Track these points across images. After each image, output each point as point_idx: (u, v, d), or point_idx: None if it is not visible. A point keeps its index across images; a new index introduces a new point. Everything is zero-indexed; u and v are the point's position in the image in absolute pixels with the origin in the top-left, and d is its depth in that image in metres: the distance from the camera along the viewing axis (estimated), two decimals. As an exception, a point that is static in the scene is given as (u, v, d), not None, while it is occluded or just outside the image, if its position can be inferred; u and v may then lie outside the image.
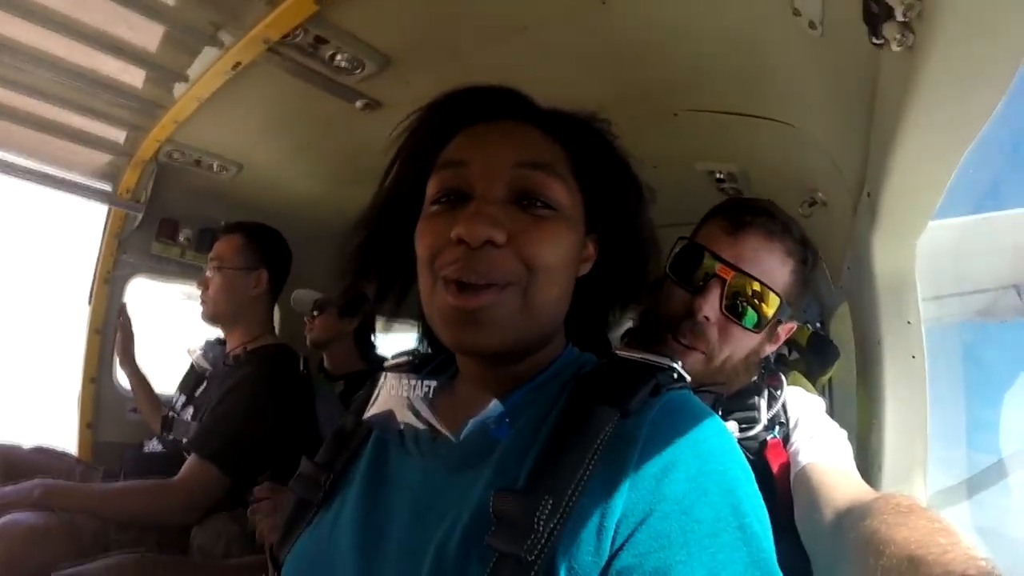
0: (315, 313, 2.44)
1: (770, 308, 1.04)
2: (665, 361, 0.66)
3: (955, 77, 0.71)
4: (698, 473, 0.54)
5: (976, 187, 1.12)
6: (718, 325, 1.03)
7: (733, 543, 0.51)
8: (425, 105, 0.73)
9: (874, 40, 0.73)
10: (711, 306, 1.02)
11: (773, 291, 1.03)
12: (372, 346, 2.59)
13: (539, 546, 0.51)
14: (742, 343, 1.05)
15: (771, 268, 1.04)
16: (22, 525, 1.44)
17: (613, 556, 0.52)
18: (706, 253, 1.04)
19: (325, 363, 2.48)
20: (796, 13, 0.99)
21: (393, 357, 0.86)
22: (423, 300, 0.67)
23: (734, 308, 1.02)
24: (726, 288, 1.02)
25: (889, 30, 0.70)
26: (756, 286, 1.02)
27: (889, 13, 0.69)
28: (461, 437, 0.62)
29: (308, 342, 2.44)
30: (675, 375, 0.65)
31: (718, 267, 1.02)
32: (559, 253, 0.64)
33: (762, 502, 0.57)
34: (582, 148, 0.71)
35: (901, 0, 0.66)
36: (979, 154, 0.83)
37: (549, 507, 0.53)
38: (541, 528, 0.52)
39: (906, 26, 0.69)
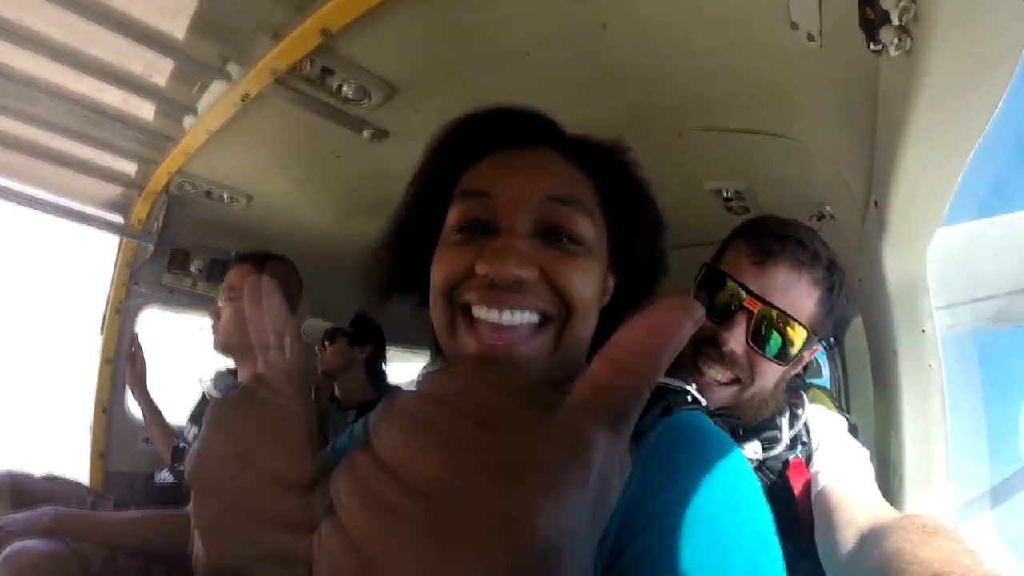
0: (326, 343, 2.45)
1: (798, 341, 1.01)
2: (679, 384, 0.65)
3: (955, 77, 0.71)
4: (696, 492, 0.52)
5: (982, 190, 1.12)
6: (746, 356, 1.00)
7: (727, 565, 0.49)
8: (448, 125, 0.71)
9: (872, 46, 0.74)
10: (737, 339, 0.99)
11: (801, 324, 1.00)
12: (383, 375, 2.58)
13: None
14: (769, 374, 1.02)
15: (798, 300, 1.01)
16: (31, 553, 1.44)
17: (610, 567, 0.50)
18: (732, 283, 1.01)
19: (336, 392, 2.47)
20: (794, 26, 1.00)
21: (424, 369, 0.83)
22: (439, 332, 0.64)
23: (760, 340, 0.99)
24: (753, 320, 0.99)
25: (886, 35, 0.70)
26: (783, 319, 0.99)
27: (885, 18, 0.69)
28: None
29: (319, 371, 2.44)
30: (689, 398, 0.64)
31: (745, 299, 0.99)
32: (591, 288, 0.62)
33: (771, 524, 0.54)
34: (610, 181, 0.68)
35: (896, 3, 0.66)
36: (984, 156, 0.83)
37: None
38: None
39: (903, 29, 0.69)
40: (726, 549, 0.49)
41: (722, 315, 1.01)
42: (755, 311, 0.99)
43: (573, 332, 0.61)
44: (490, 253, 0.58)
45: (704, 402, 0.66)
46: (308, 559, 0.34)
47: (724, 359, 1.00)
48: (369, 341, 2.48)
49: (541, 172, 0.64)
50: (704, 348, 1.01)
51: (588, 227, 0.63)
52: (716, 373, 1.01)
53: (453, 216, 0.64)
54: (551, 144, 0.68)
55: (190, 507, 0.40)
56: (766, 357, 1.00)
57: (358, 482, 0.27)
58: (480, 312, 0.58)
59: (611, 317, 0.71)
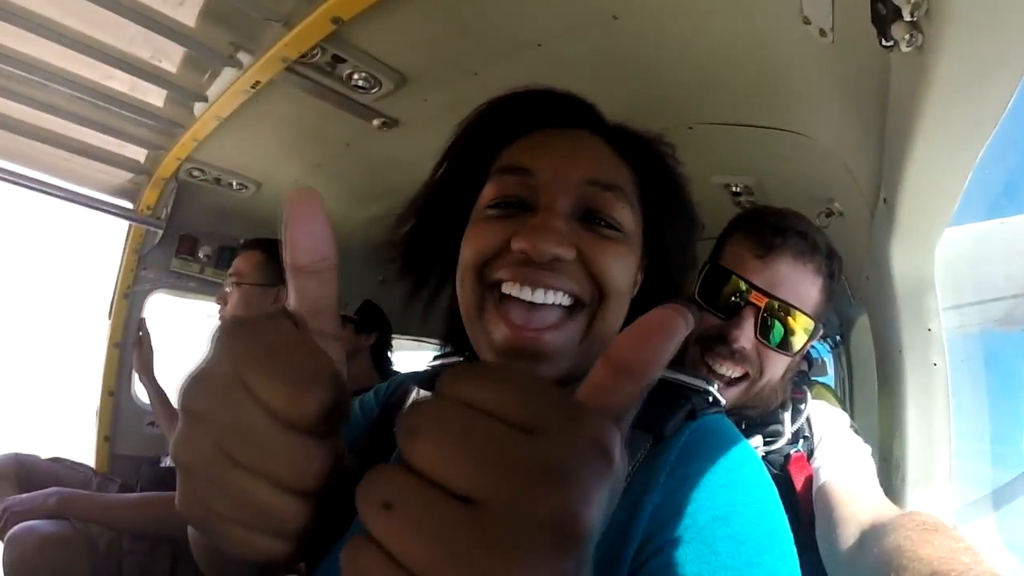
0: None
1: (804, 331, 1.02)
2: (701, 384, 0.63)
3: (966, 74, 0.71)
4: (723, 503, 0.51)
5: (992, 190, 1.11)
6: (755, 350, 1.01)
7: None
8: (487, 102, 0.69)
9: (883, 42, 0.74)
10: (746, 335, 1.00)
11: (807, 314, 1.01)
12: (389, 362, 2.59)
13: None
14: (778, 366, 1.03)
15: (803, 291, 1.02)
16: (37, 533, 1.46)
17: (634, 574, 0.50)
18: (737, 279, 1.01)
19: None
20: (806, 21, 0.99)
21: (437, 357, 0.80)
22: (467, 316, 0.62)
23: (769, 334, 1.00)
24: (760, 315, 1.00)
25: (898, 31, 0.70)
26: (790, 311, 1.00)
27: (897, 13, 0.69)
28: None
29: None
30: (710, 398, 0.63)
31: (751, 294, 0.99)
32: (626, 276, 0.61)
33: (790, 536, 0.53)
34: (648, 172, 0.67)
35: (908, -1, 0.66)
36: (994, 155, 0.82)
37: None
38: None
39: (914, 25, 0.69)
40: (751, 562, 0.49)
41: (729, 311, 1.01)
42: (762, 305, 0.99)
43: (604, 320, 0.59)
44: (529, 229, 0.56)
45: (724, 401, 0.65)
46: (299, 531, 0.30)
47: (735, 355, 1.01)
48: (375, 328, 2.49)
49: (583, 155, 0.63)
50: (714, 346, 1.02)
51: (627, 215, 0.61)
52: (727, 369, 1.02)
53: (489, 191, 0.62)
54: (591, 128, 0.67)
55: (172, 442, 0.31)
56: (775, 349, 1.01)
57: (396, 493, 0.24)
58: (512, 289, 0.56)
59: (639, 310, 0.69)
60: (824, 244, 1.05)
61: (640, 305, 0.68)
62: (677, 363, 1.05)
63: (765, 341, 1.00)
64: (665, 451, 0.55)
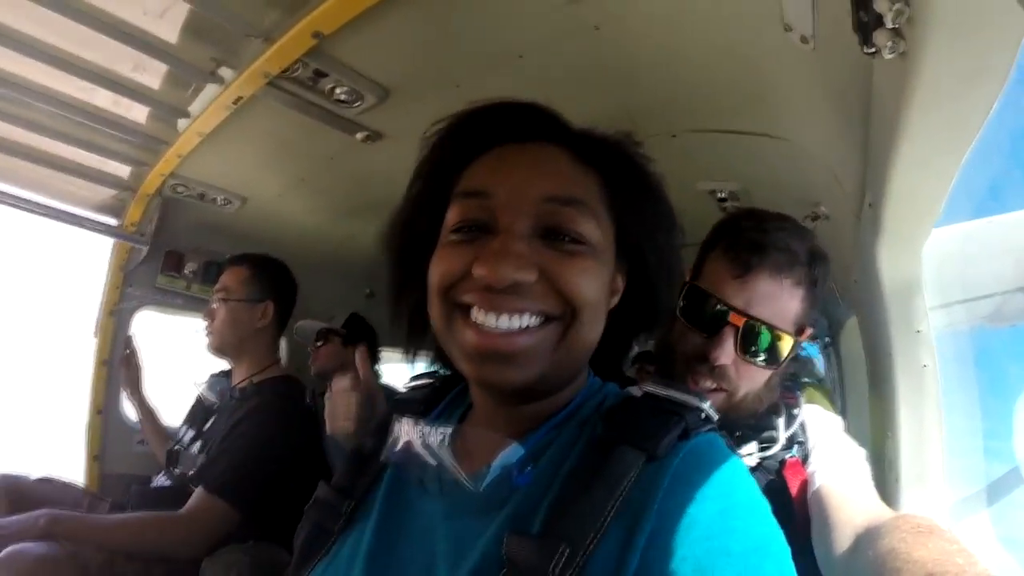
0: (319, 343, 2.43)
1: (784, 347, 1.02)
2: (693, 400, 0.62)
3: (949, 80, 0.71)
4: (720, 532, 0.50)
5: (977, 190, 1.12)
6: (735, 366, 1.01)
7: None
8: (448, 120, 0.68)
9: (866, 49, 0.74)
10: (726, 353, 1.00)
11: (786, 332, 1.02)
12: (377, 376, 2.58)
13: None
14: (759, 378, 1.04)
15: (782, 306, 1.02)
16: (27, 556, 1.43)
17: None
18: (715, 300, 1.02)
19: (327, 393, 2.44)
20: (788, 28, 1.00)
21: (413, 379, 0.82)
22: (438, 331, 0.63)
23: (749, 350, 1.01)
24: (739, 334, 1.00)
25: (880, 38, 0.70)
26: (769, 329, 1.01)
27: (879, 20, 0.69)
28: (483, 486, 0.58)
29: (312, 372, 2.42)
30: (703, 415, 0.62)
31: (730, 315, 1.00)
32: (595, 288, 0.60)
33: (789, 559, 0.52)
34: (616, 176, 0.65)
35: (890, 7, 0.66)
36: (979, 157, 0.83)
37: (565, 556, 0.49)
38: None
39: (897, 32, 0.69)
40: None
41: (710, 329, 1.02)
42: (740, 325, 1.00)
43: (578, 332, 0.59)
44: (486, 256, 0.56)
45: (716, 417, 0.64)
46: None
47: (713, 372, 1.01)
48: (362, 341, 2.48)
49: (541, 171, 0.62)
50: (694, 365, 1.03)
51: (591, 227, 0.60)
52: (709, 384, 1.02)
53: (452, 215, 0.62)
54: (554, 139, 0.65)
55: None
56: (756, 364, 1.02)
57: None
58: (479, 316, 0.57)
59: (621, 318, 0.69)
60: (806, 251, 1.04)
61: (624, 312, 0.68)
62: (668, 374, 1.06)
63: (745, 357, 1.01)
64: (659, 472, 0.54)
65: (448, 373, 0.78)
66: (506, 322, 0.56)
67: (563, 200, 0.59)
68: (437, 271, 0.61)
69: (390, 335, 2.55)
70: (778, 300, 1.01)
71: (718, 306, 1.01)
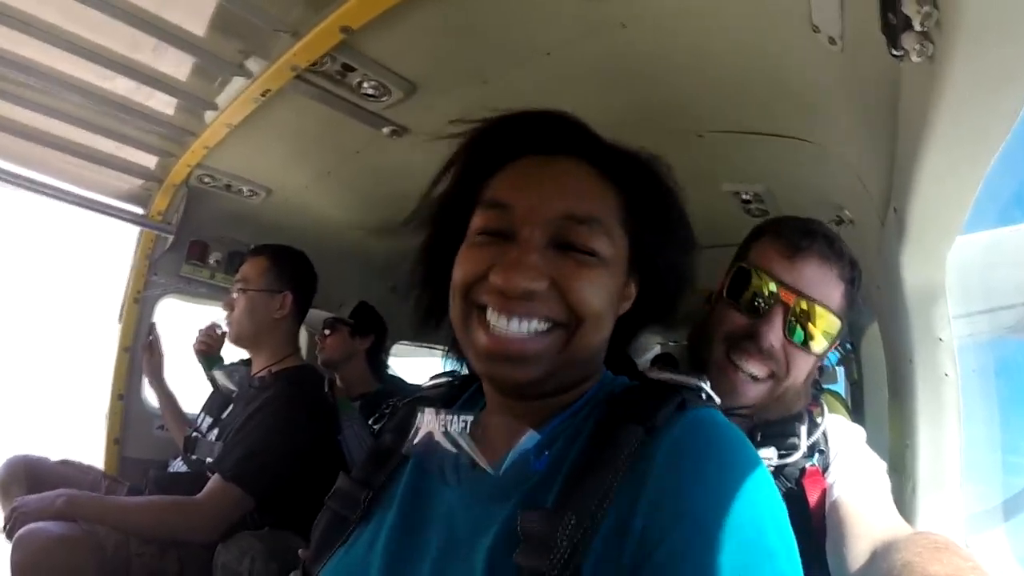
0: (326, 332, 2.44)
1: (832, 330, 1.03)
2: (693, 381, 0.66)
3: (977, 84, 0.70)
4: (719, 492, 0.53)
5: (1002, 198, 1.11)
6: (783, 350, 1.02)
7: (751, 562, 0.49)
8: (477, 127, 0.72)
9: (893, 52, 0.73)
10: (775, 333, 1.01)
11: (835, 314, 1.02)
12: (385, 366, 2.57)
13: (562, 562, 0.51)
14: (804, 367, 1.05)
15: (829, 292, 1.03)
16: (44, 535, 1.46)
17: (635, 571, 0.51)
18: (767, 277, 1.03)
19: (337, 383, 2.44)
20: (816, 30, 0.99)
21: (432, 378, 0.86)
22: (456, 326, 0.68)
23: (796, 333, 1.01)
24: (788, 313, 1.01)
25: (908, 40, 0.70)
26: (818, 310, 1.01)
27: (907, 23, 0.68)
28: (502, 471, 0.62)
29: (320, 362, 2.42)
30: (703, 395, 0.65)
31: (781, 292, 1.01)
32: (602, 297, 0.64)
33: (787, 521, 0.55)
34: (637, 194, 0.69)
35: (918, 9, 0.65)
36: (1005, 164, 0.82)
37: (572, 523, 0.53)
38: (564, 544, 0.52)
39: (925, 36, 0.69)
40: (751, 550, 0.50)
41: (757, 310, 1.03)
42: (791, 303, 1.01)
43: (583, 338, 0.63)
44: (503, 265, 0.61)
45: (718, 400, 0.67)
46: None
47: (763, 353, 1.02)
48: (370, 332, 2.47)
49: (562, 189, 0.66)
50: (741, 344, 1.03)
51: (603, 243, 0.64)
52: (753, 368, 1.03)
53: (477, 221, 0.67)
54: (580, 153, 0.69)
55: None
56: (803, 349, 1.02)
57: None
58: (492, 317, 0.62)
59: (631, 322, 0.73)
60: (847, 252, 1.06)
61: (634, 319, 0.73)
62: (701, 367, 1.06)
63: (792, 340, 1.01)
64: (659, 441, 0.57)
65: (465, 373, 0.83)
66: (516, 325, 0.61)
67: (579, 219, 0.64)
68: (460, 270, 0.66)
69: (418, 330, 2.57)
70: (826, 285, 1.02)
71: (770, 284, 1.02)
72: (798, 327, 1.01)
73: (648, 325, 0.78)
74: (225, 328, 2.02)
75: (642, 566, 0.51)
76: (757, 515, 0.52)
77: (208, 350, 2.16)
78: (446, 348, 0.82)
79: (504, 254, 0.62)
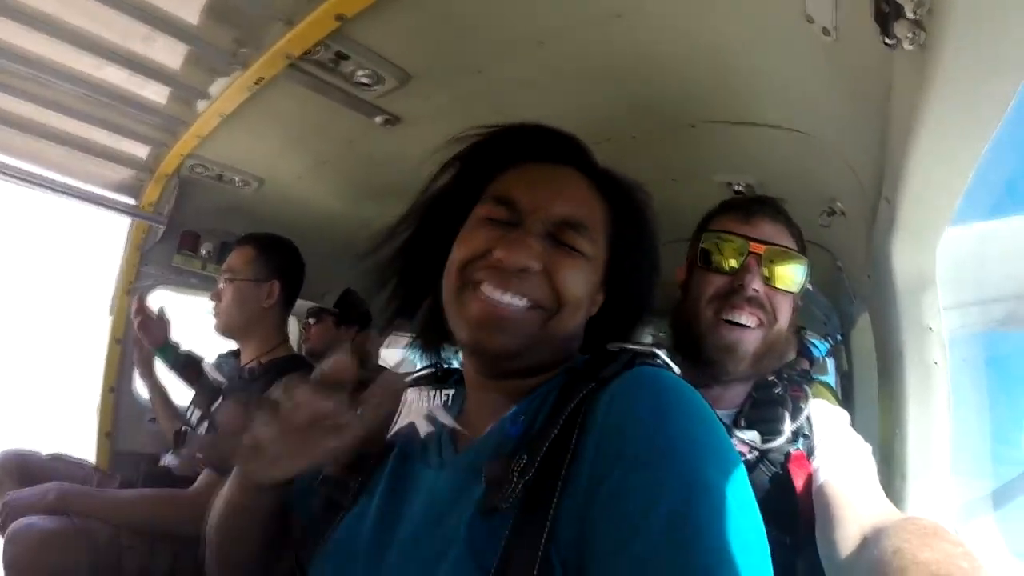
0: (311, 322, 2.42)
1: (801, 269, 1.13)
2: (649, 348, 0.71)
3: (969, 73, 0.71)
4: (657, 430, 0.56)
5: (994, 189, 1.12)
6: (766, 296, 1.10)
7: (691, 499, 0.51)
8: (487, 132, 0.79)
9: (886, 40, 0.74)
10: (757, 280, 1.09)
11: (800, 254, 1.14)
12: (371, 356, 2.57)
13: (514, 495, 0.56)
14: (786, 309, 1.14)
15: (787, 240, 1.14)
16: (37, 529, 1.46)
17: (588, 507, 0.54)
18: (735, 236, 1.12)
19: None
20: (809, 20, 1.00)
21: (418, 370, 0.89)
22: (447, 300, 0.73)
23: (774, 277, 1.11)
24: (762, 261, 1.10)
25: (900, 28, 0.70)
26: (786, 253, 1.13)
27: (899, 11, 0.69)
28: (481, 439, 0.68)
29: (304, 352, 2.40)
30: (659, 361, 0.69)
31: (751, 246, 1.11)
32: (582, 288, 0.72)
33: (730, 458, 0.57)
34: (622, 215, 0.78)
35: (910, -4, 0.66)
36: (996, 154, 0.82)
37: (524, 462, 0.58)
38: (515, 479, 0.57)
39: (917, 23, 0.69)
40: (688, 484, 0.52)
41: (734, 266, 1.12)
42: (762, 252, 1.11)
43: (560, 322, 0.70)
44: (507, 241, 0.68)
45: (677, 370, 0.69)
46: None
47: (751, 301, 1.10)
48: (355, 322, 2.46)
49: (562, 193, 0.74)
50: (729, 299, 1.11)
51: (590, 247, 0.73)
52: (746, 318, 1.10)
53: (482, 211, 0.74)
54: (575, 164, 0.77)
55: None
56: (782, 291, 1.12)
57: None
58: (486, 289, 0.68)
59: (596, 328, 0.80)
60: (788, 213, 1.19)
61: (599, 324, 0.79)
62: (687, 354, 1.10)
63: (771, 284, 1.11)
64: (606, 392, 0.62)
65: (446, 367, 0.88)
66: (507, 299, 0.67)
67: (573, 224, 0.72)
68: (463, 248, 0.72)
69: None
70: (783, 235, 1.15)
71: (739, 241, 1.12)
72: (773, 271, 1.11)
73: (609, 334, 0.81)
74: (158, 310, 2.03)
75: (590, 505, 0.53)
76: (695, 450, 0.55)
77: (150, 337, 2.09)
78: (413, 336, 0.87)
79: (507, 235, 0.69)
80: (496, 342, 0.68)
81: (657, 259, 0.83)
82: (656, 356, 0.70)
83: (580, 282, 0.71)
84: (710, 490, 0.52)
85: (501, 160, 0.78)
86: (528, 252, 0.68)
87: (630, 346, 0.72)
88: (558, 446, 0.59)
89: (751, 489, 0.56)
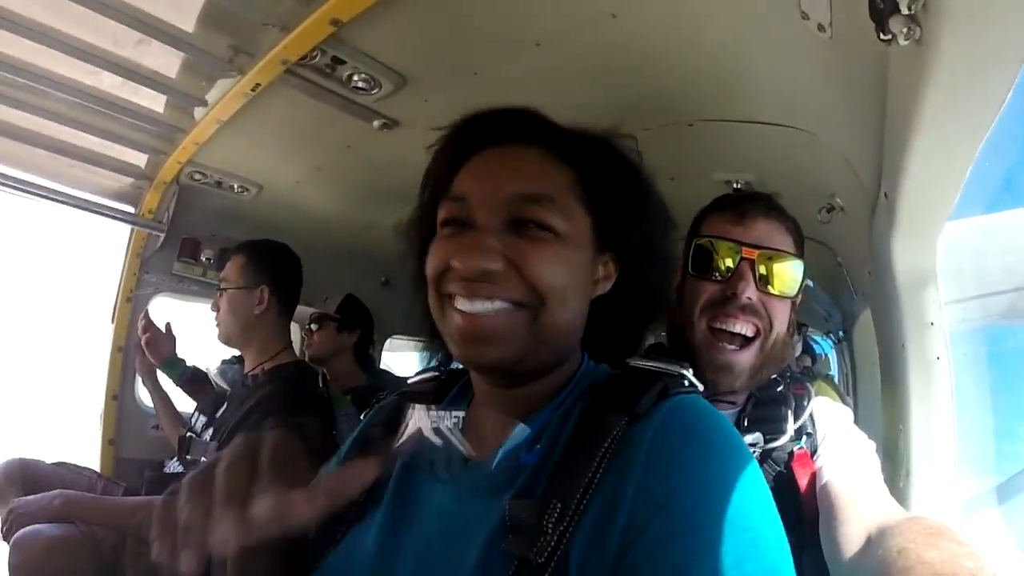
0: (313, 327, 2.42)
1: (797, 272, 1.09)
2: (675, 368, 0.67)
3: (965, 67, 0.71)
4: (703, 476, 0.53)
5: (992, 183, 1.12)
6: (760, 302, 1.07)
7: (739, 547, 0.49)
8: (442, 134, 0.76)
9: (882, 36, 0.74)
10: (750, 286, 1.06)
11: (795, 256, 1.09)
12: (372, 360, 2.56)
13: (548, 548, 0.53)
14: (783, 314, 1.10)
15: (782, 240, 1.10)
16: (42, 537, 1.46)
17: (621, 558, 0.51)
18: (725, 242, 1.09)
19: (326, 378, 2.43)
20: (805, 17, 1.00)
21: (418, 373, 0.87)
22: (435, 317, 0.70)
23: (768, 282, 1.08)
24: (755, 266, 1.07)
25: (896, 24, 0.70)
26: (780, 256, 1.08)
27: (894, 7, 0.69)
28: (494, 465, 0.64)
29: (307, 358, 2.41)
30: (686, 382, 0.66)
31: (743, 251, 1.07)
32: (561, 273, 0.65)
33: (774, 507, 0.55)
34: (593, 171, 0.71)
35: (905, -9, 0.66)
36: (994, 149, 0.82)
37: (558, 511, 0.54)
38: (550, 531, 0.53)
39: (912, 19, 0.69)
40: (739, 538, 0.50)
41: (726, 274, 1.08)
42: (754, 257, 1.07)
43: (549, 317, 0.64)
44: (459, 249, 0.64)
45: (701, 387, 0.68)
46: None
47: (746, 309, 1.06)
48: (357, 326, 2.46)
49: (512, 172, 0.68)
50: (723, 308, 1.08)
51: (558, 220, 0.66)
52: (740, 327, 1.07)
53: (441, 215, 0.70)
54: (531, 139, 0.71)
55: None
56: (778, 296, 1.08)
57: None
58: (459, 303, 0.64)
59: (612, 304, 0.74)
60: (783, 207, 1.14)
61: (615, 298, 0.73)
62: (675, 346, 1.08)
63: (766, 290, 1.07)
64: (642, 428, 0.58)
65: (452, 368, 0.84)
66: (480, 306, 0.63)
67: (530, 198, 0.65)
68: (430, 264, 0.68)
69: (408, 324, 2.56)
70: (778, 235, 1.10)
71: (730, 246, 1.08)
72: (768, 276, 1.08)
73: (639, 312, 0.78)
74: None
75: (627, 554, 0.51)
76: (743, 502, 0.52)
77: (157, 352, 2.12)
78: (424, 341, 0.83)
79: (462, 240, 0.65)
80: (487, 355, 0.64)
81: (659, 205, 0.76)
82: (685, 377, 0.67)
83: (556, 265, 0.65)
84: (762, 544, 0.51)
85: (459, 154, 0.73)
86: (481, 253, 0.63)
87: (659, 366, 0.68)
88: (591, 485, 0.55)
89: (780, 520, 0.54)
